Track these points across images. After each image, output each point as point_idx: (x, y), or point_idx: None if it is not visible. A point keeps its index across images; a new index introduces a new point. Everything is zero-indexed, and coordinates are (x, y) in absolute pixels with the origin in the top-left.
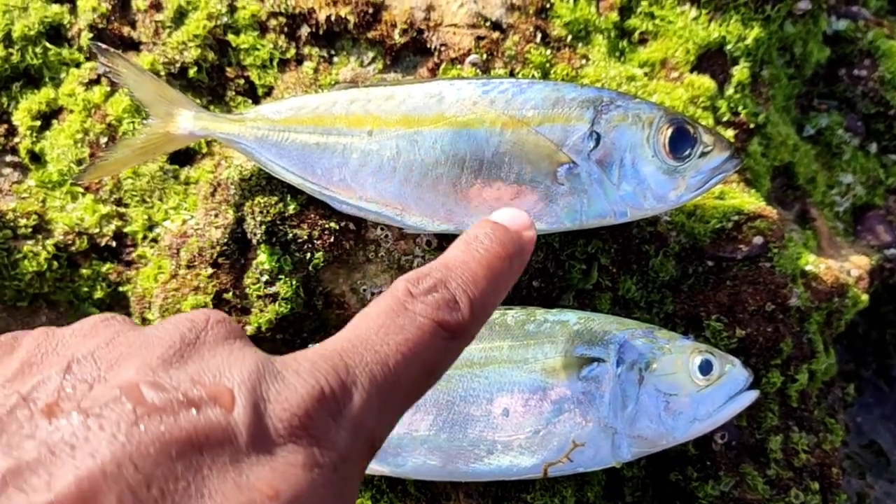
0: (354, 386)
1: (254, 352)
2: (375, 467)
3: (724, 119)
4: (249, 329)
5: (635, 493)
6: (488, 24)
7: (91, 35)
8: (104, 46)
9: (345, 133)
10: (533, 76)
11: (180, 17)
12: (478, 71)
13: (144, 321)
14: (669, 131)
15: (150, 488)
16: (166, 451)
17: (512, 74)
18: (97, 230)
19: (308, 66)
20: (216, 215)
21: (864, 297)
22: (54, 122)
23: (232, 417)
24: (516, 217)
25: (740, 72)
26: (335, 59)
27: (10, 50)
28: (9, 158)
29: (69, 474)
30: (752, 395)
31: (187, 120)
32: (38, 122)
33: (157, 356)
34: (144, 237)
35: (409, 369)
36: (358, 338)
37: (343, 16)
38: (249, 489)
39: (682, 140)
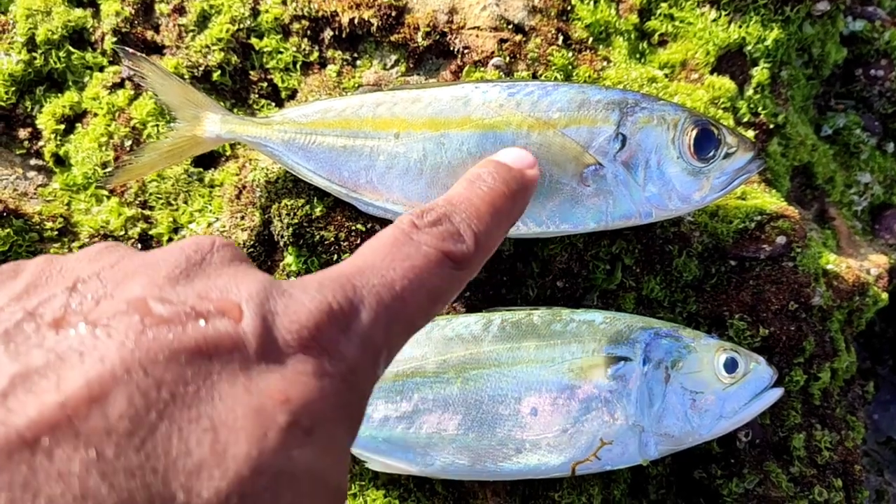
0: (362, 304)
1: (259, 272)
2: (403, 466)
3: (745, 120)
4: None
5: (659, 492)
6: (511, 26)
7: (115, 39)
8: (130, 50)
9: (371, 136)
10: (556, 78)
11: (203, 20)
12: (501, 73)
13: None
14: (694, 133)
15: (161, 390)
16: (175, 357)
17: (535, 76)
18: (122, 233)
19: (331, 69)
20: (242, 217)
21: (885, 295)
22: (78, 125)
23: (241, 328)
24: (519, 156)
25: (760, 73)
26: (358, 62)
27: (34, 54)
28: (33, 162)
29: (79, 377)
30: (777, 392)
31: (214, 123)
32: (63, 126)
33: (164, 275)
34: (170, 239)
35: (416, 294)
36: (365, 263)
37: (366, 19)
38: (260, 394)
39: (706, 141)
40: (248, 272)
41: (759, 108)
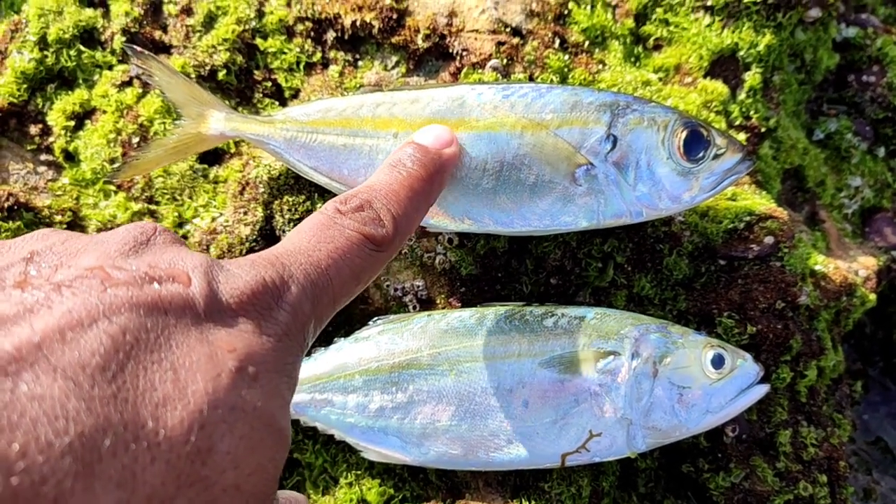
0: (291, 279)
1: (199, 252)
2: (398, 456)
3: (737, 123)
4: None
5: (648, 485)
6: (508, 29)
7: (124, 38)
8: (139, 49)
9: (371, 135)
10: (552, 81)
11: (210, 21)
12: (498, 75)
13: None
14: (684, 134)
15: (125, 335)
16: (135, 309)
17: (531, 79)
18: None
19: (334, 69)
20: (245, 213)
21: (872, 296)
22: (87, 122)
23: (190, 290)
24: (438, 136)
25: (752, 77)
26: (360, 63)
27: (46, 52)
28: (44, 157)
29: (50, 321)
30: (763, 388)
31: (218, 121)
32: (72, 123)
33: (114, 249)
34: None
35: (340, 272)
36: (293, 245)
37: (368, 21)
38: (210, 344)
39: (696, 143)
40: (190, 251)
41: (751, 112)
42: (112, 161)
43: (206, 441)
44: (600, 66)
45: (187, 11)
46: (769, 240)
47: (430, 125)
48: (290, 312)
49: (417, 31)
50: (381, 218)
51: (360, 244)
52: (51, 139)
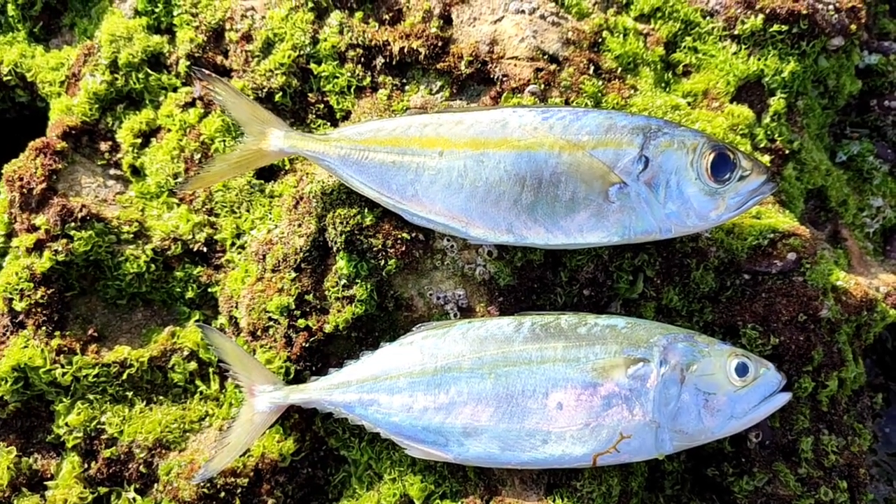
0: None
1: None
2: (439, 454)
3: (762, 145)
4: (327, 328)
5: (675, 487)
6: (546, 57)
7: (188, 63)
8: (206, 72)
9: (418, 153)
10: (587, 105)
11: (268, 47)
12: (536, 100)
13: (231, 319)
14: (712, 156)
15: None
16: None
17: (567, 103)
18: (190, 237)
19: (382, 93)
20: (299, 225)
21: (893, 311)
22: (153, 139)
23: None
24: None
25: (777, 102)
26: (407, 87)
27: (116, 75)
28: (112, 172)
29: None
30: (785, 396)
31: (278, 138)
32: (139, 140)
33: None
34: (233, 244)
35: None
36: None
37: (415, 48)
38: None
39: (722, 164)
40: None
41: (776, 135)
42: (175, 176)
43: None
44: (632, 91)
45: (247, 38)
46: (792, 256)
47: None
48: None
49: (461, 57)
50: None
51: None
52: (119, 155)
